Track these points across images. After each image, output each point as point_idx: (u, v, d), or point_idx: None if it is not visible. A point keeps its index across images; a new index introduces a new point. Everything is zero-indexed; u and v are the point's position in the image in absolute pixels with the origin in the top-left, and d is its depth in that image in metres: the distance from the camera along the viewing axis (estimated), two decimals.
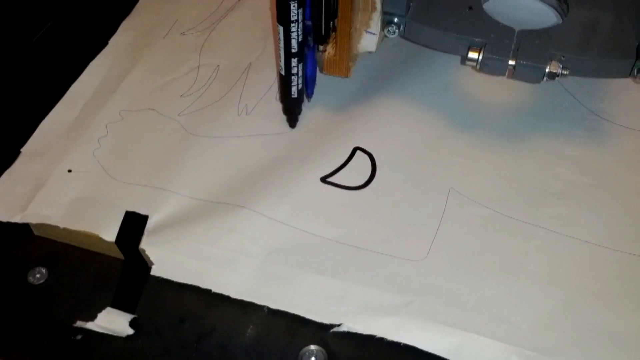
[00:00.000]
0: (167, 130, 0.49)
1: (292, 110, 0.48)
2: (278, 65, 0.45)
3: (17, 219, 0.43)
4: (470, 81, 0.52)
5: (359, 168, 0.46)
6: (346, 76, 0.46)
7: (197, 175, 0.46)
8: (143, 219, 0.43)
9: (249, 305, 0.40)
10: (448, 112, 0.49)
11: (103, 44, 0.55)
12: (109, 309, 0.40)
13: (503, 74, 0.43)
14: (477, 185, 0.45)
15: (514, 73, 0.42)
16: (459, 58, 0.52)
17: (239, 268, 0.41)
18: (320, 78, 0.51)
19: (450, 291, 0.39)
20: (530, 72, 0.42)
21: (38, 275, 0.42)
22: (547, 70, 0.42)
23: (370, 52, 0.47)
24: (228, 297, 0.40)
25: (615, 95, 0.50)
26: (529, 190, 0.45)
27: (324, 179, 0.45)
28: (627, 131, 0.48)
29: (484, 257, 0.41)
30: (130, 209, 0.43)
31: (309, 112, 0.49)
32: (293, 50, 0.43)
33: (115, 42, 0.56)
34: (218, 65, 0.53)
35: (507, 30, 0.43)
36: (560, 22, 0.46)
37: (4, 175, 0.46)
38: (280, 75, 0.45)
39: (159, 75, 0.53)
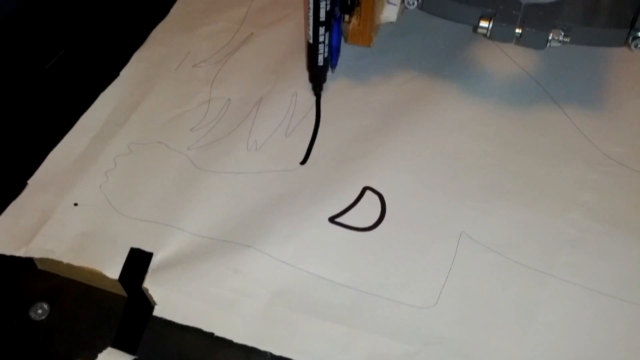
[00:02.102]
0: (175, 165, 0.48)
1: (317, 78, 0.51)
2: (307, 34, 0.48)
3: (21, 252, 0.43)
4: (485, 118, 0.51)
5: (369, 208, 0.45)
6: (369, 45, 0.51)
7: (204, 211, 0.45)
8: (147, 256, 0.42)
9: (252, 350, 0.39)
10: (461, 151, 0.48)
11: (114, 74, 0.55)
12: (109, 349, 0.39)
13: (511, 41, 0.47)
14: (489, 229, 0.44)
15: (521, 39, 0.47)
16: (475, 100, 0.52)
17: (242, 311, 0.40)
18: (332, 113, 0.51)
19: (459, 342, 0.38)
20: (535, 39, 0.47)
21: (40, 311, 0.42)
22: (550, 37, 0.46)
23: (391, 23, 0.51)
24: (231, 341, 0.39)
25: (631, 140, 0.49)
26: (542, 237, 0.44)
27: (332, 219, 0.44)
28: None
29: (494, 306, 0.40)
30: (136, 246, 0.43)
31: (320, 146, 0.49)
32: (321, 19, 0.47)
33: (127, 73, 0.55)
34: (229, 99, 0.53)
35: (515, 3, 0.48)
36: None
37: (9, 207, 0.46)
38: (308, 43, 0.49)
39: (169, 108, 0.52)
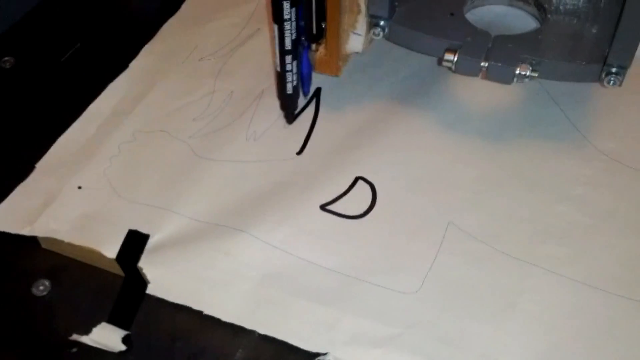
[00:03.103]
0: (176, 152, 0.50)
1: (288, 106, 0.50)
2: (274, 62, 0.47)
3: (25, 231, 0.45)
4: (479, 114, 0.52)
5: (360, 197, 0.46)
6: (337, 75, 0.50)
7: (201, 197, 0.47)
8: (144, 237, 0.44)
9: (240, 330, 0.40)
10: (453, 144, 0.49)
11: (124, 66, 0.57)
12: (104, 324, 0.41)
13: (476, 75, 0.46)
14: (477, 220, 0.45)
15: (487, 73, 0.45)
16: (470, 94, 0.53)
17: (232, 291, 0.41)
18: (331, 106, 0.52)
19: (439, 326, 0.39)
20: (501, 73, 0.45)
21: (41, 287, 0.44)
22: (517, 71, 0.44)
23: (357, 53, 0.50)
24: (219, 320, 0.40)
25: (625, 136, 0.50)
26: (530, 229, 0.44)
27: (323, 207, 0.46)
28: (636, 173, 0.47)
29: (477, 294, 0.41)
30: (134, 228, 0.45)
31: (317, 138, 0.50)
32: (287, 48, 0.46)
33: (136, 65, 0.57)
34: (232, 91, 0.55)
35: (484, 35, 0.46)
36: (535, 29, 0.49)
37: (17, 189, 0.48)
38: (276, 72, 0.48)
39: (174, 98, 0.54)
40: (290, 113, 0.51)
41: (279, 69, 0.48)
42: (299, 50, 0.47)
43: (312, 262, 0.43)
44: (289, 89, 0.49)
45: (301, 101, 0.53)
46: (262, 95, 0.54)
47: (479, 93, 0.53)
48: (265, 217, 0.45)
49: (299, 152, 0.50)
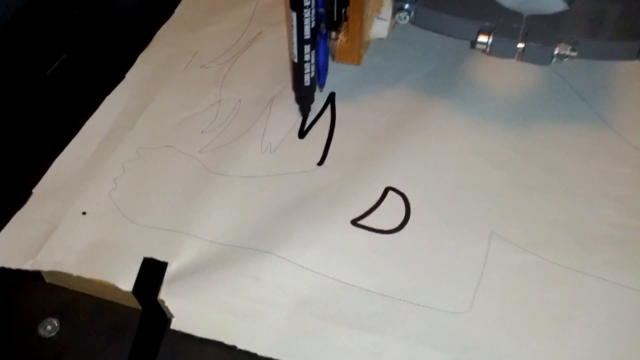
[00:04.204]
0: (187, 169, 0.46)
1: (305, 99, 0.48)
2: (291, 52, 0.45)
3: (27, 265, 0.41)
4: (509, 113, 0.49)
5: (392, 209, 0.43)
6: (358, 63, 0.47)
7: (219, 217, 0.43)
8: (162, 266, 0.40)
9: None
10: (485, 147, 0.46)
11: (120, 77, 0.53)
12: None
13: (512, 57, 0.44)
14: (520, 228, 0.42)
15: (524, 55, 0.43)
16: (497, 91, 0.50)
17: (265, 321, 0.38)
18: (348, 110, 0.49)
19: (497, 347, 0.36)
20: (539, 54, 0.43)
21: (49, 327, 0.39)
22: (555, 52, 0.42)
23: (381, 39, 0.47)
24: (255, 354, 0.37)
25: None
26: (575, 234, 0.41)
27: (354, 222, 0.42)
28: None
29: (531, 308, 0.38)
30: (149, 255, 0.41)
31: (337, 147, 0.47)
32: (306, 37, 0.43)
33: (133, 75, 0.53)
34: (240, 100, 0.51)
35: (516, 15, 0.44)
36: (568, 8, 0.46)
37: (14, 218, 0.43)
38: (293, 62, 0.45)
39: (178, 110, 0.50)
40: (306, 106, 0.49)
41: (296, 59, 0.45)
42: (317, 39, 0.44)
43: (348, 284, 0.39)
44: (307, 80, 0.46)
45: (315, 107, 0.50)
46: (273, 102, 0.51)
47: (506, 94, 0.50)
48: (293, 236, 0.41)
49: (320, 163, 0.46)
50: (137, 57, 0.55)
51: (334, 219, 0.42)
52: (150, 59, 0.55)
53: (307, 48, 0.44)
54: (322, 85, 0.50)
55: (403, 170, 0.45)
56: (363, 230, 0.42)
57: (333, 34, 0.46)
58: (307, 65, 0.45)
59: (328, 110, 0.50)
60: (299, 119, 0.49)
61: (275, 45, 0.55)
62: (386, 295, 0.39)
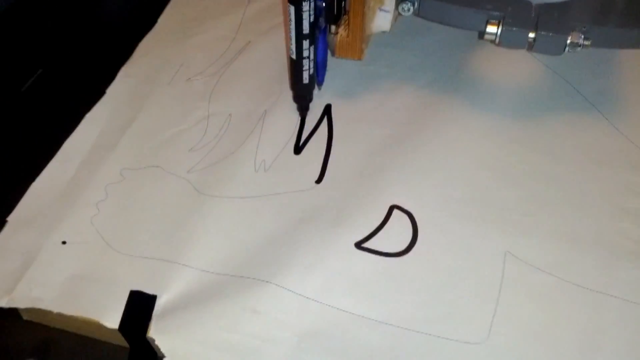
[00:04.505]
0: (175, 191, 0.43)
1: (303, 98, 0.46)
2: (288, 49, 0.43)
3: (3, 302, 0.37)
4: (514, 123, 0.46)
5: (398, 230, 0.40)
6: (359, 59, 0.45)
7: (212, 243, 0.40)
8: (151, 299, 0.37)
9: None
10: (492, 160, 0.43)
11: (100, 93, 0.49)
12: None
13: (523, 47, 0.42)
14: (536, 246, 0.39)
15: (535, 45, 0.42)
16: (495, 104, 0.47)
17: (266, 359, 0.34)
18: (344, 123, 0.46)
19: None
20: (552, 44, 0.41)
21: None
22: (568, 40, 0.41)
23: (384, 32, 0.45)
24: None
25: None
26: (595, 252, 0.39)
27: (359, 245, 0.39)
28: None
29: (553, 336, 0.35)
30: (136, 288, 0.37)
31: (335, 162, 0.44)
32: (304, 32, 0.41)
33: (114, 91, 0.50)
34: (230, 114, 0.48)
35: (524, 4, 0.43)
36: None
37: None
38: (291, 59, 0.43)
39: (164, 127, 0.47)
40: (304, 106, 0.47)
41: (294, 56, 0.43)
42: (316, 33, 0.42)
43: (354, 314, 0.36)
44: (305, 78, 0.44)
45: (310, 120, 0.47)
46: (265, 116, 0.47)
47: (509, 102, 0.47)
48: (293, 263, 0.38)
49: (318, 181, 0.43)
50: (118, 71, 0.51)
51: (336, 242, 0.39)
52: (133, 73, 0.51)
53: (305, 44, 0.42)
54: (320, 83, 0.47)
55: (408, 187, 0.42)
56: (368, 254, 0.39)
57: (333, 28, 0.44)
58: (305, 62, 0.43)
59: (324, 124, 0.47)
60: (294, 133, 0.46)
61: (266, 54, 0.52)
62: (396, 326, 0.36)
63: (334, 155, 0.45)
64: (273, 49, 0.53)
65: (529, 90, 0.49)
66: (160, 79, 0.51)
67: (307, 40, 0.42)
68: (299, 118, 0.47)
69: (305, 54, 0.43)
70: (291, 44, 0.42)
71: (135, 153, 0.45)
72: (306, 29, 0.41)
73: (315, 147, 0.45)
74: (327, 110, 0.48)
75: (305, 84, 0.45)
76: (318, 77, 0.46)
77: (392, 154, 0.44)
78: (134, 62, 0.52)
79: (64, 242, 0.40)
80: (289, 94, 0.48)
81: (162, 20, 0.56)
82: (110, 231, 0.40)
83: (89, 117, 0.48)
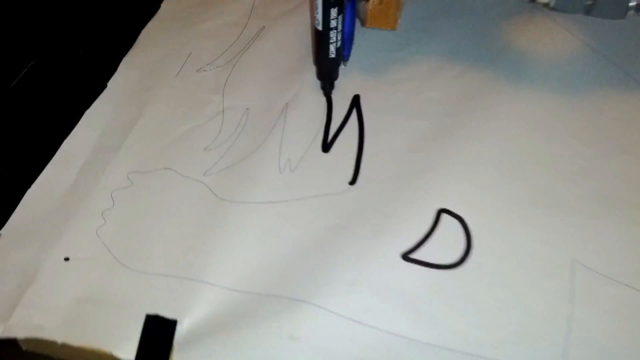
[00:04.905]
0: (191, 197, 0.38)
1: (328, 74, 0.42)
2: (313, 19, 0.39)
3: None
4: (566, 113, 0.41)
5: (449, 238, 0.35)
6: (393, 28, 0.41)
7: (237, 256, 0.35)
8: (170, 325, 0.32)
9: None
10: (548, 155, 0.39)
11: (100, 86, 0.44)
12: None
13: (580, 11, 0.38)
14: (607, 253, 0.34)
15: (594, 8, 0.37)
16: (543, 91, 0.42)
17: None
18: (376, 114, 0.41)
19: None
20: (612, 6, 0.37)
21: None
22: (631, 3, 0.36)
23: None
24: None
25: None
26: None
27: (406, 256, 0.34)
28: None
29: (636, 356, 0.30)
30: (153, 311, 0.32)
31: (370, 160, 0.39)
32: None
33: (116, 84, 0.45)
34: (247, 108, 0.43)
35: None
36: None
37: None
38: (317, 30, 0.39)
39: (174, 124, 0.42)
40: (330, 83, 0.42)
41: (320, 26, 0.39)
42: (344, 1, 0.38)
43: (407, 338, 0.31)
44: (332, 51, 0.40)
45: (338, 112, 0.42)
46: (287, 109, 0.42)
47: (559, 90, 0.43)
48: (332, 278, 0.33)
49: (352, 182, 0.38)
50: (120, 61, 0.46)
51: (380, 253, 0.34)
52: (136, 64, 0.46)
53: (333, 12, 0.38)
54: (346, 58, 0.43)
55: (456, 188, 0.37)
56: (417, 267, 0.34)
57: None
58: (333, 34, 0.39)
59: (354, 116, 0.42)
60: (320, 128, 0.41)
61: (282, 41, 0.47)
62: (453, 350, 0.31)
63: (368, 151, 0.40)
64: (290, 34, 0.48)
65: (577, 78, 0.44)
66: (167, 70, 0.45)
67: (336, 9, 0.38)
68: (325, 111, 0.42)
69: (333, 24, 0.39)
70: (316, 13, 0.38)
71: (144, 154, 0.40)
72: None
73: (346, 142, 0.40)
74: (356, 102, 0.43)
75: (332, 58, 0.41)
76: (344, 50, 0.42)
77: (434, 149, 0.39)
78: (137, 51, 0.47)
79: (66, 259, 0.35)
80: (311, 84, 0.43)
81: (165, 5, 0.51)
82: (119, 245, 0.35)
83: (89, 114, 0.43)
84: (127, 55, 0.47)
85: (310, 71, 0.44)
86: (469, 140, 0.39)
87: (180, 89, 0.44)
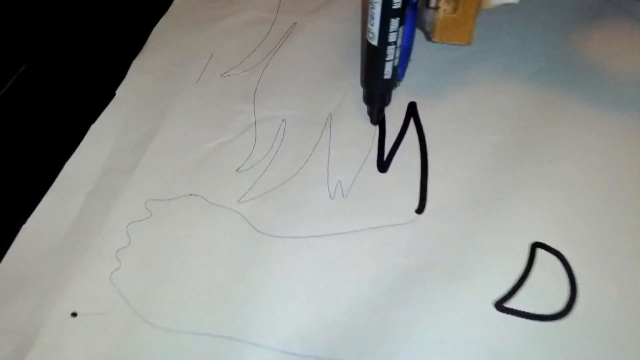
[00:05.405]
0: (224, 231, 0.31)
1: (380, 99, 0.34)
2: (366, 31, 0.31)
3: None
4: None
5: (549, 279, 0.29)
6: (468, 43, 0.33)
7: (287, 308, 0.28)
8: None
9: None
10: None
11: (107, 95, 0.37)
12: None
13: None
14: None
15: None
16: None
17: None
18: (446, 132, 0.34)
19: None
20: None
21: None
22: None
23: (511, 3, 0.33)
24: None
25: None
26: None
27: (500, 305, 0.27)
28: None
29: None
30: None
31: (438, 183, 0.32)
32: (395, 6, 0.29)
33: (126, 92, 0.38)
34: (283, 120, 0.36)
35: None
36: None
37: None
38: (370, 46, 0.31)
39: (198, 140, 0.35)
40: (380, 109, 0.35)
41: (375, 41, 0.31)
42: (406, 9, 0.31)
43: None
44: (388, 71, 0.32)
45: (391, 124, 0.35)
46: (331, 121, 0.36)
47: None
48: (410, 338, 0.27)
49: (419, 210, 0.31)
50: (129, 65, 0.39)
51: (467, 302, 0.28)
52: (148, 68, 0.39)
53: (394, 23, 0.30)
54: (400, 78, 0.36)
55: (549, 215, 0.30)
56: (515, 318, 0.27)
57: (432, 1, 0.32)
58: (390, 50, 0.31)
59: (411, 129, 0.35)
60: (373, 143, 0.34)
61: (319, 39, 0.41)
62: None
63: (433, 171, 0.33)
64: (327, 31, 0.41)
65: None
66: (185, 75, 0.39)
67: (397, 20, 0.30)
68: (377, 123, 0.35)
69: (392, 38, 0.31)
70: (371, 25, 0.31)
71: (163, 177, 0.33)
72: (398, 1, 0.29)
73: (405, 160, 0.34)
74: (412, 110, 0.36)
75: (387, 80, 0.33)
76: (400, 68, 0.35)
77: (511, 167, 0.32)
78: (149, 54, 0.40)
79: (73, 314, 0.28)
80: (357, 91, 0.37)
81: (178, 0, 0.44)
82: (139, 294, 0.29)
83: (95, 129, 0.36)
84: (137, 58, 0.40)
85: (356, 75, 0.37)
86: (552, 155, 0.32)
87: (203, 97, 0.37)
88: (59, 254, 0.30)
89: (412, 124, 0.36)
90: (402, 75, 0.36)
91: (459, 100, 0.36)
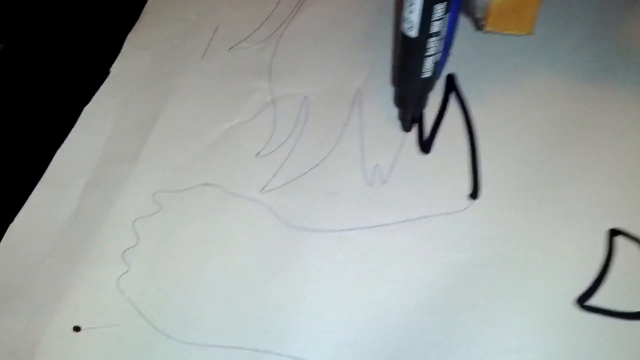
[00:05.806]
0: (247, 224, 0.26)
1: (416, 102, 0.28)
2: (402, 19, 0.25)
3: None
4: None
5: (633, 271, 0.24)
6: (529, 33, 0.28)
7: (327, 317, 0.24)
8: None
9: None
10: None
11: (101, 74, 0.32)
12: None
13: None
14: None
15: None
16: None
17: None
18: (492, 107, 0.30)
19: None
20: None
21: None
22: None
23: None
24: None
25: None
26: None
27: (582, 302, 0.23)
28: None
29: None
30: None
31: (491, 164, 0.28)
32: None
33: (122, 69, 0.33)
34: (305, 97, 0.31)
35: None
36: None
37: None
38: (406, 38, 0.26)
39: (208, 122, 0.31)
40: (415, 114, 0.29)
41: (414, 32, 0.25)
42: None
43: None
44: (428, 68, 0.27)
45: (432, 104, 0.31)
46: (361, 96, 0.31)
47: None
48: (481, 346, 0.22)
49: (473, 194, 0.27)
50: (124, 40, 0.34)
51: (545, 300, 0.24)
52: (145, 42, 0.35)
53: (439, 9, 0.25)
54: (438, 76, 0.30)
55: (625, 196, 0.26)
56: (600, 317, 0.23)
57: None
58: (432, 43, 0.26)
59: (453, 104, 0.31)
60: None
61: (339, 7, 0.36)
62: None
63: (483, 150, 0.29)
64: None
65: None
66: (188, 49, 0.34)
67: (444, 4, 0.25)
68: None
69: (435, 28, 0.25)
70: (409, 12, 0.25)
71: (172, 165, 0.29)
72: None
73: (450, 138, 0.30)
74: (451, 83, 0.32)
75: (425, 79, 0.27)
76: (439, 66, 0.29)
77: (576, 143, 0.28)
78: (144, 26, 0.36)
79: (76, 329, 0.24)
80: (386, 62, 0.32)
81: None
82: (152, 302, 0.24)
83: (88, 112, 0.31)
84: (132, 31, 0.35)
85: (384, 45, 0.33)
86: (623, 129, 0.28)
87: (210, 75, 0.33)
88: (54, 258, 0.25)
89: (453, 98, 0.31)
90: (441, 69, 0.31)
91: (501, 70, 0.32)
